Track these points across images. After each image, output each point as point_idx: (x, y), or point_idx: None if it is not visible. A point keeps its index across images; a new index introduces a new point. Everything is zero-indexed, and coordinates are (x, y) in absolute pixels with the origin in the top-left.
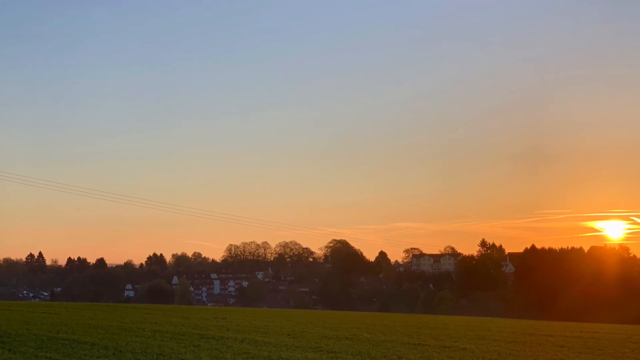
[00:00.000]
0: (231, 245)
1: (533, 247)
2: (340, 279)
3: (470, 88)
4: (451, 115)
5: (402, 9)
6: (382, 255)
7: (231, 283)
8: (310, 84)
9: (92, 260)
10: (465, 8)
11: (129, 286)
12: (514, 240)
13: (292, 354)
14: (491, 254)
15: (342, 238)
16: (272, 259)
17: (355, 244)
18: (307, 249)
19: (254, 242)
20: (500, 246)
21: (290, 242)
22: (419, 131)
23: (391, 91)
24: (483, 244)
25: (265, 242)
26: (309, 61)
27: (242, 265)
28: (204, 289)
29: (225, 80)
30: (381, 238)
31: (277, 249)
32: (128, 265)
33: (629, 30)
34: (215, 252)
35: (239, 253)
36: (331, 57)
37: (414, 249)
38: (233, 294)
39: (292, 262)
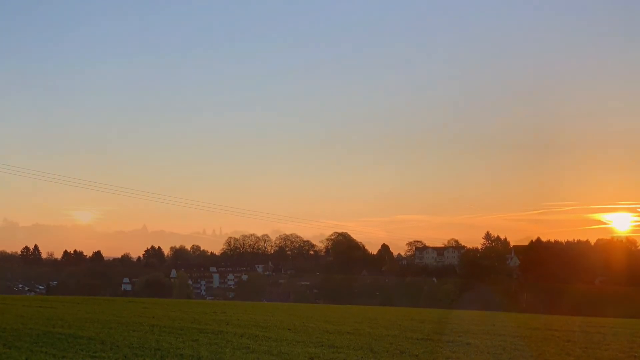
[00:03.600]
0: (230, 238)
1: (538, 239)
2: (341, 272)
3: (474, 78)
4: (454, 106)
5: None
6: (385, 248)
7: (230, 276)
8: (311, 75)
9: (88, 253)
10: None
11: (126, 280)
12: (519, 233)
13: (292, 348)
14: (496, 246)
15: (344, 231)
16: (272, 252)
17: (357, 237)
18: (308, 241)
19: (253, 234)
20: (505, 239)
21: (291, 234)
22: (421, 122)
23: (393, 82)
24: (487, 236)
25: (266, 234)
26: (309, 52)
27: (241, 258)
28: (203, 282)
29: (224, 71)
30: (383, 231)
31: (278, 242)
32: (125, 258)
33: (636, 19)
34: (214, 245)
35: (239, 246)
36: (332, 47)
37: (417, 241)
38: (232, 287)
39: (293, 255)
